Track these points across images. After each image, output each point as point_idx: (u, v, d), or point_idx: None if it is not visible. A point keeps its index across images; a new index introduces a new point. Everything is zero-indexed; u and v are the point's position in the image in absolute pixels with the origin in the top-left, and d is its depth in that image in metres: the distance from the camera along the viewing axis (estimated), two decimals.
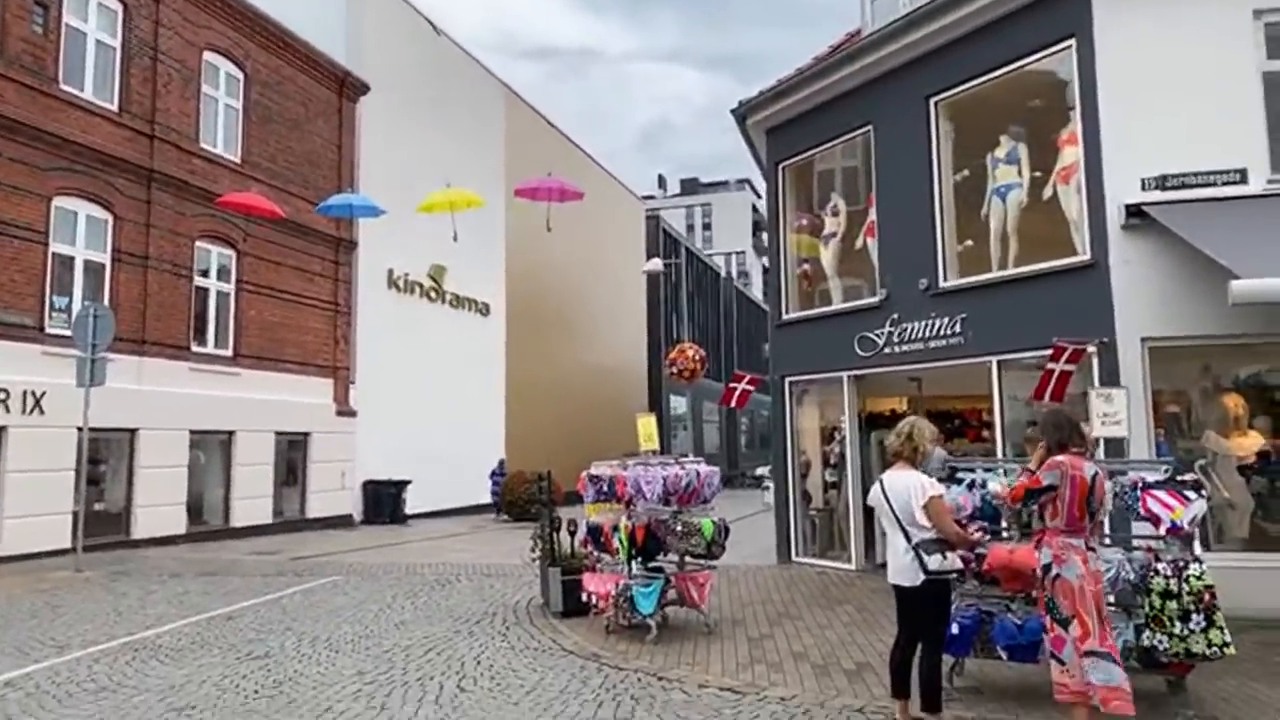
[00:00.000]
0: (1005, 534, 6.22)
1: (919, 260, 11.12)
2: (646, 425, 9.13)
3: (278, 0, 19.28)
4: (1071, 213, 9.79)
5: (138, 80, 16.01)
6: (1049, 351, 8.77)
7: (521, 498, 23.28)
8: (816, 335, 12.90)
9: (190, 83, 17.14)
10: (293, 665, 7.42)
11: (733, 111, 13.87)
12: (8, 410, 13.34)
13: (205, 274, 17.60)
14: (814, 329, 13.06)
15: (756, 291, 73.60)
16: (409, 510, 21.87)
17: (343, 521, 20.52)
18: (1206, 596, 5.52)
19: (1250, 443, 9.02)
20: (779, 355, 13.76)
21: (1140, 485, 5.79)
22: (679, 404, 44.11)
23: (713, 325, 50.91)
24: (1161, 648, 5.60)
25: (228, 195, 14.66)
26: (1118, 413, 7.32)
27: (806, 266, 13.72)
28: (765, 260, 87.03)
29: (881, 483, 5.63)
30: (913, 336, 11.15)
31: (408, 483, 21.81)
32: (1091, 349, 8.83)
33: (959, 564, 5.40)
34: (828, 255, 13.17)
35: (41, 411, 13.73)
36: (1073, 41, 9.57)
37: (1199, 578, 5.55)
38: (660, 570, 8.61)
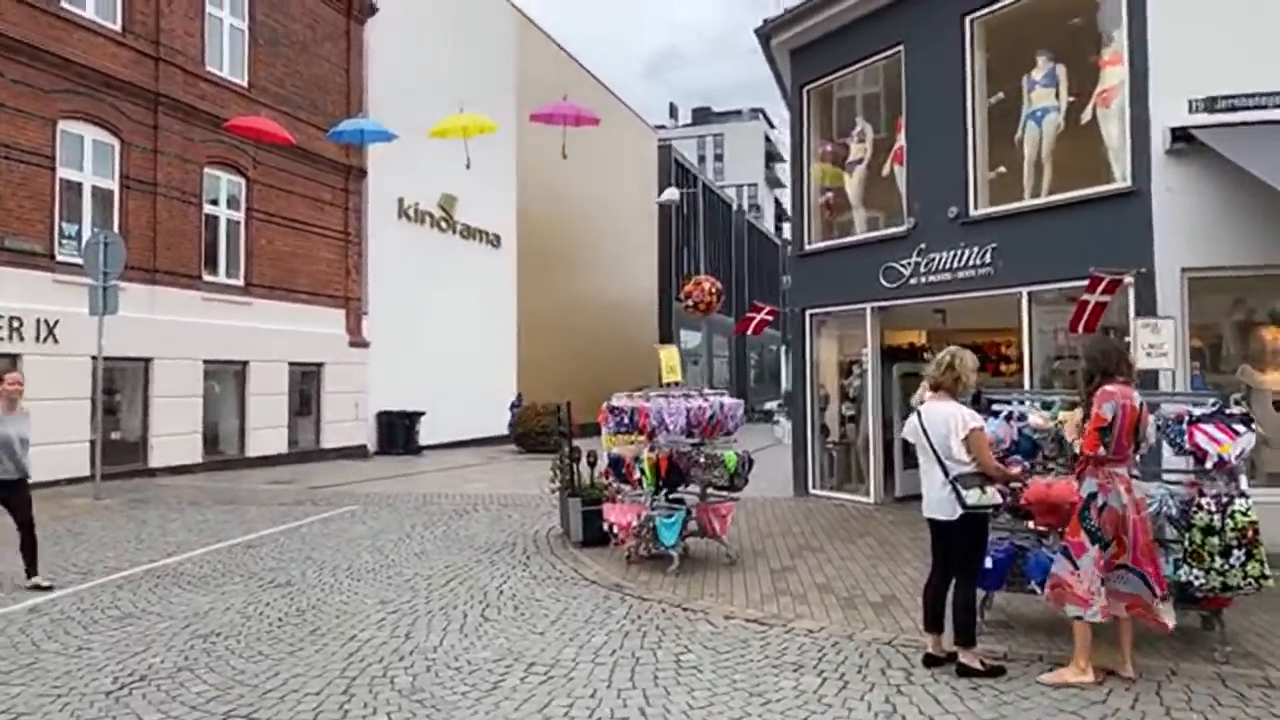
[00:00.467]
0: (1051, 468, 6.04)
1: (949, 188, 10.77)
2: (669, 357, 8.97)
3: None
4: (1111, 138, 9.42)
5: None
6: (1083, 282, 8.54)
7: (534, 430, 23.31)
8: (840, 266, 12.61)
9: (194, 1, 16.61)
10: (315, 594, 7.40)
11: (756, 31, 13.35)
12: (22, 338, 13.25)
13: (215, 202, 17.33)
14: (837, 259, 12.77)
15: (769, 224, 72.81)
16: (423, 441, 21.92)
17: (357, 452, 20.59)
18: (1250, 532, 5.36)
19: None
20: (800, 287, 13.51)
21: (1187, 418, 5.60)
22: (690, 338, 43.89)
23: (724, 258, 50.39)
24: (1198, 583, 5.47)
25: (236, 119, 14.29)
26: (1164, 344, 7.10)
27: (830, 195, 13.36)
28: (777, 193, 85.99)
29: (919, 413, 5.45)
30: (940, 267, 10.87)
31: (421, 414, 21.81)
32: (1129, 280, 8.56)
33: (997, 499, 5.25)
34: (852, 183, 12.79)
35: (55, 340, 13.64)
36: None
37: (1244, 514, 5.38)
38: (681, 501, 8.53)
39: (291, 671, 5.43)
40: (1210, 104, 8.51)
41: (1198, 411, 5.62)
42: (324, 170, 19.89)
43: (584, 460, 9.70)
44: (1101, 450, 5.15)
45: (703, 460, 8.32)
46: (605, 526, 8.60)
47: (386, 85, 21.35)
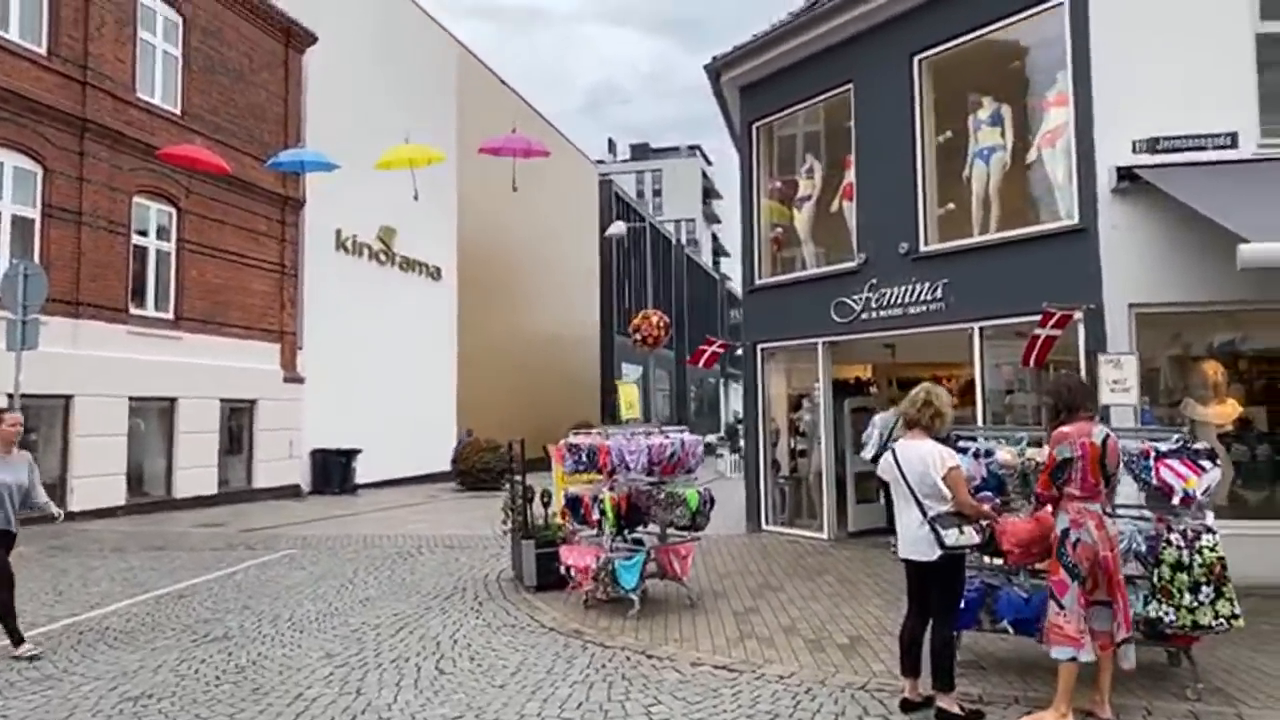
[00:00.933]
0: (1013, 505, 6.00)
1: (899, 223, 10.86)
2: (628, 393, 8.77)
3: None
4: (1057, 177, 9.61)
5: (68, 21, 14.92)
6: (1035, 318, 8.64)
7: (476, 466, 22.82)
8: (790, 301, 12.60)
9: (125, 26, 16.06)
10: (255, 647, 6.96)
11: (706, 67, 13.39)
12: None
13: (144, 233, 16.64)
14: (788, 294, 12.76)
15: (706, 259, 73.46)
16: (359, 479, 21.26)
17: (290, 492, 19.84)
18: (1218, 568, 5.37)
19: (1229, 410, 9.00)
20: (751, 321, 13.47)
21: (1153, 454, 5.61)
22: (632, 371, 43.76)
23: (664, 292, 50.54)
24: (1168, 619, 5.45)
25: (169, 147, 13.77)
26: (1127, 379, 7.17)
27: (779, 230, 13.41)
28: (714, 229, 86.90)
29: (894, 452, 5.35)
30: (892, 302, 10.92)
31: (358, 452, 21.17)
32: (1078, 315, 8.67)
33: (976, 538, 5.15)
34: (801, 219, 12.86)
35: None
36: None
37: (1212, 549, 5.39)
38: (640, 542, 8.29)
39: None
40: (1152, 144, 8.73)
41: (1163, 447, 5.64)
42: (259, 201, 19.32)
43: (537, 499, 9.41)
44: (1054, 491, 5.16)
45: (663, 499, 8.10)
46: (562, 569, 8.29)
47: (326, 116, 20.95)
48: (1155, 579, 5.49)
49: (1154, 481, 5.59)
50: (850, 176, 11.87)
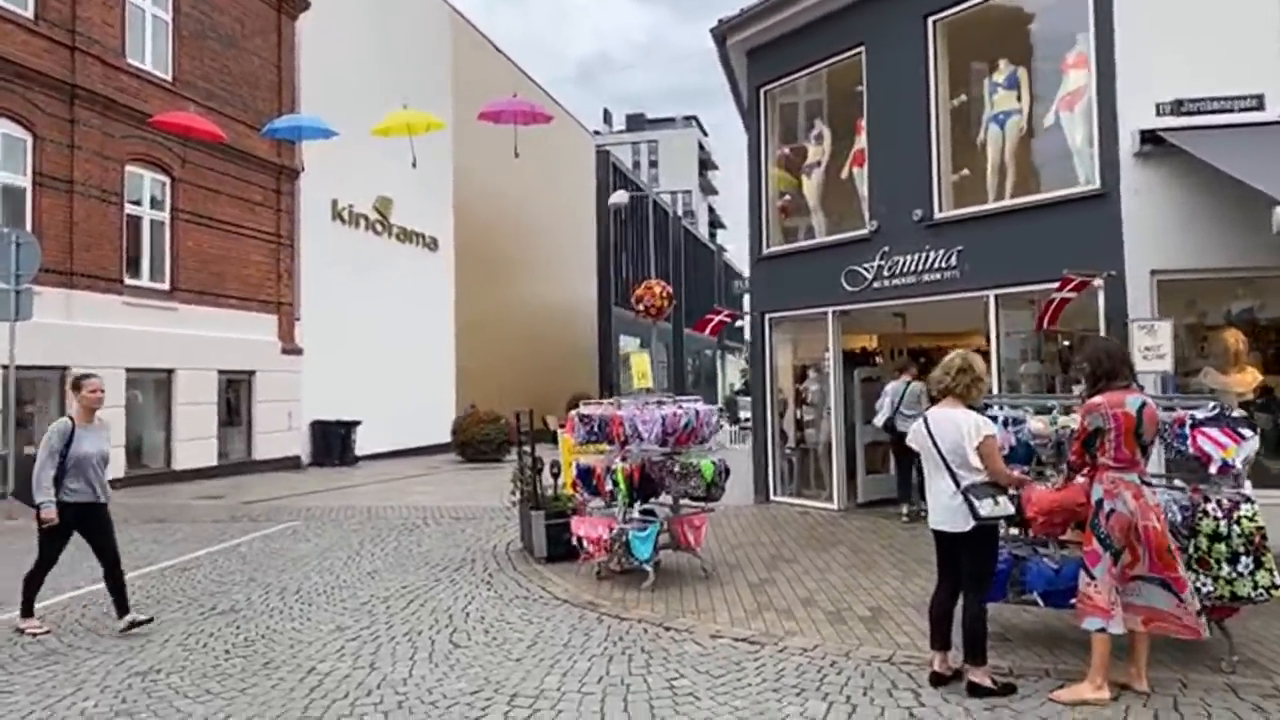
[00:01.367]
0: (1046, 475, 5.86)
1: (912, 190, 10.64)
2: (640, 363, 8.58)
3: None
4: (1076, 141, 9.39)
5: None
6: (1052, 284, 8.47)
7: (476, 438, 22.66)
8: (800, 269, 12.40)
9: None
10: (263, 620, 6.82)
11: (712, 31, 13.07)
12: None
13: (137, 202, 16.34)
14: (797, 263, 12.56)
15: (703, 230, 73.09)
16: (359, 451, 21.11)
17: (290, 463, 19.70)
18: (1257, 538, 5.24)
19: (1249, 379, 8.85)
20: (759, 290, 13.27)
21: (1189, 422, 5.45)
22: (629, 344, 43.57)
23: (662, 263, 50.21)
24: (1205, 590, 5.33)
25: (163, 114, 13.45)
26: (1161, 346, 7.01)
27: (787, 198, 13.17)
28: (711, 200, 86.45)
29: (926, 420, 5.18)
30: (904, 270, 10.72)
31: (357, 423, 21.00)
32: (1099, 282, 8.49)
33: (1010, 509, 5.00)
34: (810, 186, 12.62)
35: None
36: None
37: (1250, 519, 5.26)
38: (653, 514, 8.15)
39: (246, 712, 4.89)
40: (1177, 106, 8.52)
41: (1200, 415, 5.48)
42: (254, 170, 18.98)
43: (547, 470, 9.26)
44: (1087, 459, 5.02)
45: (677, 470, 7.95)
46: (574, 540, 8.16)
47: (319, 83, 20.53)
48: (1192, 550, 5.36)
49: (1190, 450, 5.44)
50: (861, 142, 11.63)
